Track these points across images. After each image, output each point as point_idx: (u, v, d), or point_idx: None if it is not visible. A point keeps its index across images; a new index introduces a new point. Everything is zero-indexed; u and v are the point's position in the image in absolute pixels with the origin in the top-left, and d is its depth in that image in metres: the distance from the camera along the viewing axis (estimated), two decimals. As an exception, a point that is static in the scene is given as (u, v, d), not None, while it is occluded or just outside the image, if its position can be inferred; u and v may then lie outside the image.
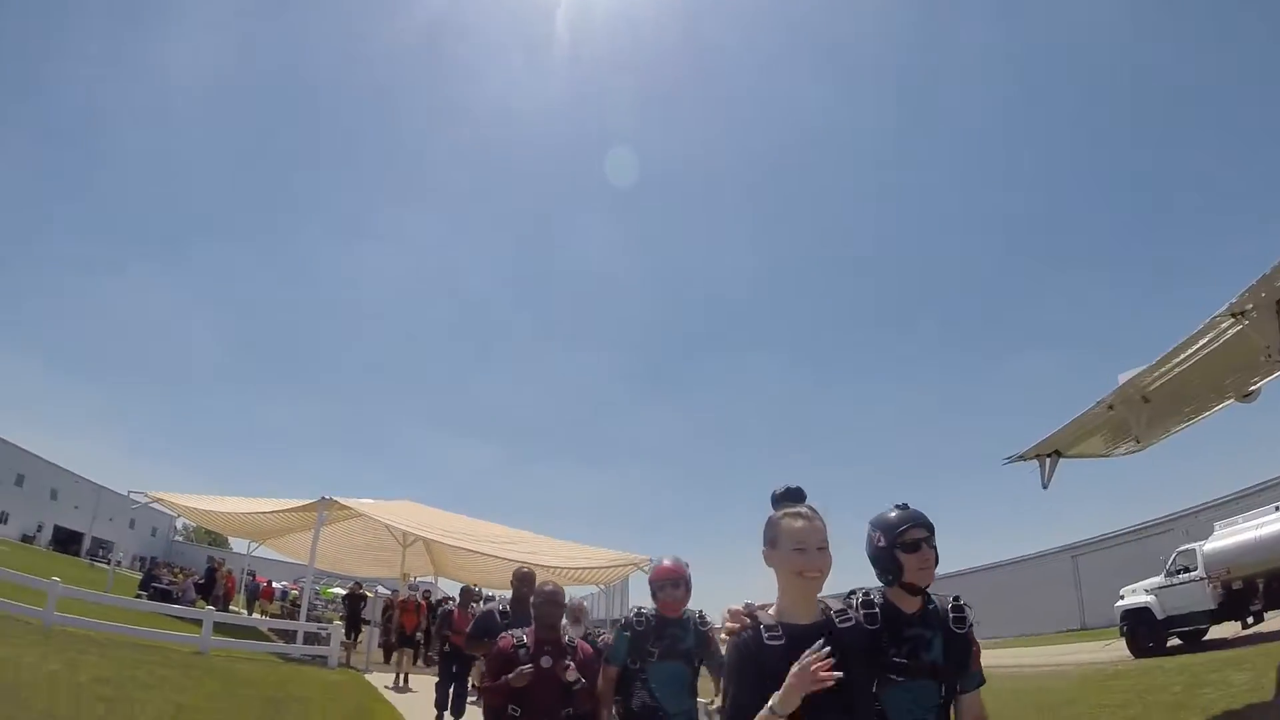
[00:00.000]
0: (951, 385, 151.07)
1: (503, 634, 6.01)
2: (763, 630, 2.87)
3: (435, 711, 13.79)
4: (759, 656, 2.80)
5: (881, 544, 3.48)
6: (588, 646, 5.97)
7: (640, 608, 5.94)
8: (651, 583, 5.89)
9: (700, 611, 5.97)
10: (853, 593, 3.60)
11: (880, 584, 3.58)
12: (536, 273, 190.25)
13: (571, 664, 5.54)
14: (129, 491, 29.83)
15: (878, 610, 3.43)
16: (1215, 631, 20.96)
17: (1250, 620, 19.90)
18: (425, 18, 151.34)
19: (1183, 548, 22.41)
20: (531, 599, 6.28)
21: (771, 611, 3.01)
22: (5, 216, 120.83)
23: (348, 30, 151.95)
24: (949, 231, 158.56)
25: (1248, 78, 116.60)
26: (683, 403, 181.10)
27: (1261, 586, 19.40)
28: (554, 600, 5.81)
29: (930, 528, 3.48)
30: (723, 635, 3.14)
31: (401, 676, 20.33)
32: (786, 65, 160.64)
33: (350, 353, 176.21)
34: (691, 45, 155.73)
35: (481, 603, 15.69)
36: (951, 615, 3.54)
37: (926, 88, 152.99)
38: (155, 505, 31.39)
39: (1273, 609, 19.45)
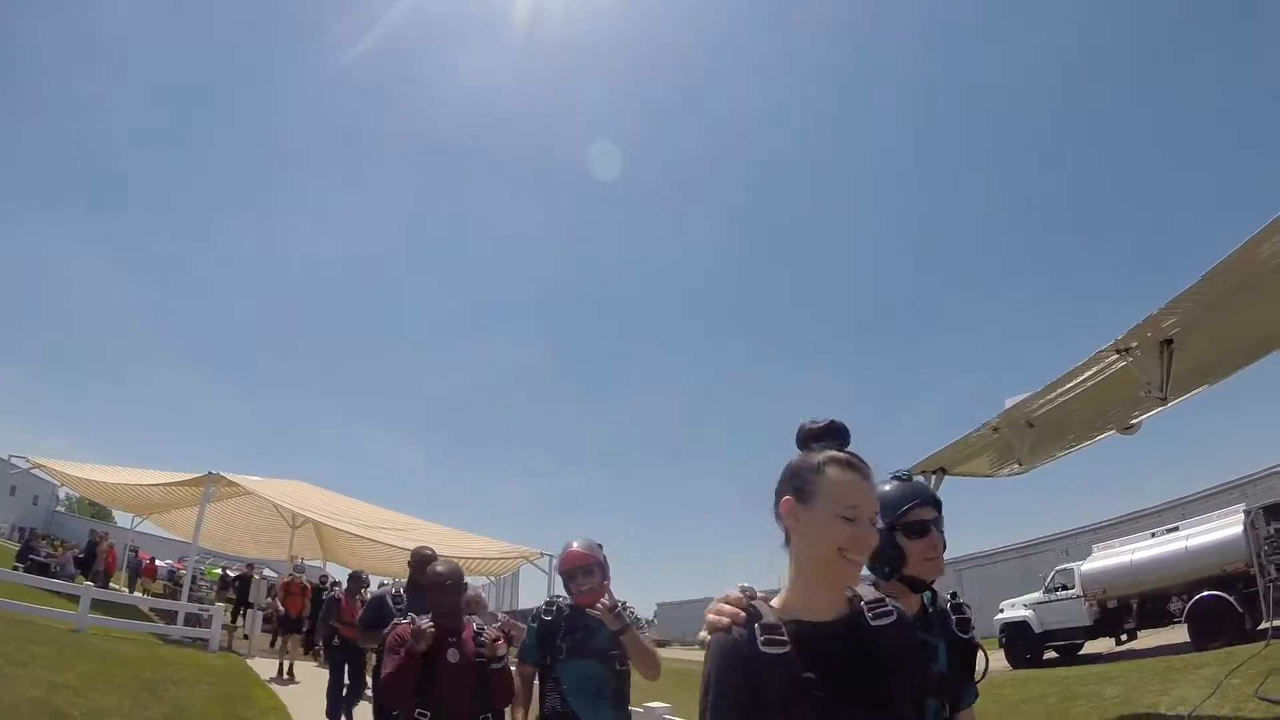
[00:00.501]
0: (846, 397, 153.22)
1: (399, 621, 5.33)
2: (758, 630, 1.88)
3: None
4: (750, 669, 1.84)
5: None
6: (497, 634, 5.13)
7: (556, 596, 5.20)
8: (561, 572, 5.11)
9: (623, 603, 4.84)
10: None
11: (872, 577, 2.91)
12: (460, 260, 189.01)
13: (500, 639, 4.96)
14: (9, 455, 28.88)
15: None
16: (1090, 647, 21.74)
17: (1124, 637, 20.77)
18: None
19: (1061, 566, 23.25)
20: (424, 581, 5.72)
21: (776, 603, 2.01)
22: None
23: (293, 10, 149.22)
24: (872, 242, 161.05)
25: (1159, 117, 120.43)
26: (593, 401, 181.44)
27: (1135, 606, 20.19)
28: (448, 582, 5.04)
29: (939, 505, 2.97)
30: (702, 634, 2.09)
31: (286, 666, 19.06)
32: (706, 78, 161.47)
33: (262, 332, 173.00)
34: (641, 42, 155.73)
35: (372, 588, 14.54)
36: (954, 617, 2.96)
37: (856, 98, 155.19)
38: (37, 472, 30.48)
39: (1145, 628, 20.27)
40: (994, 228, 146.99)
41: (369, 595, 12.24)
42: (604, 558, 5.12)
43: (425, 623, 4.83)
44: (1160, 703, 13.42)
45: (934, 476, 13.27)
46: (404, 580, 7.72)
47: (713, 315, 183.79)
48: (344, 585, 15.98)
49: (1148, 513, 33.86)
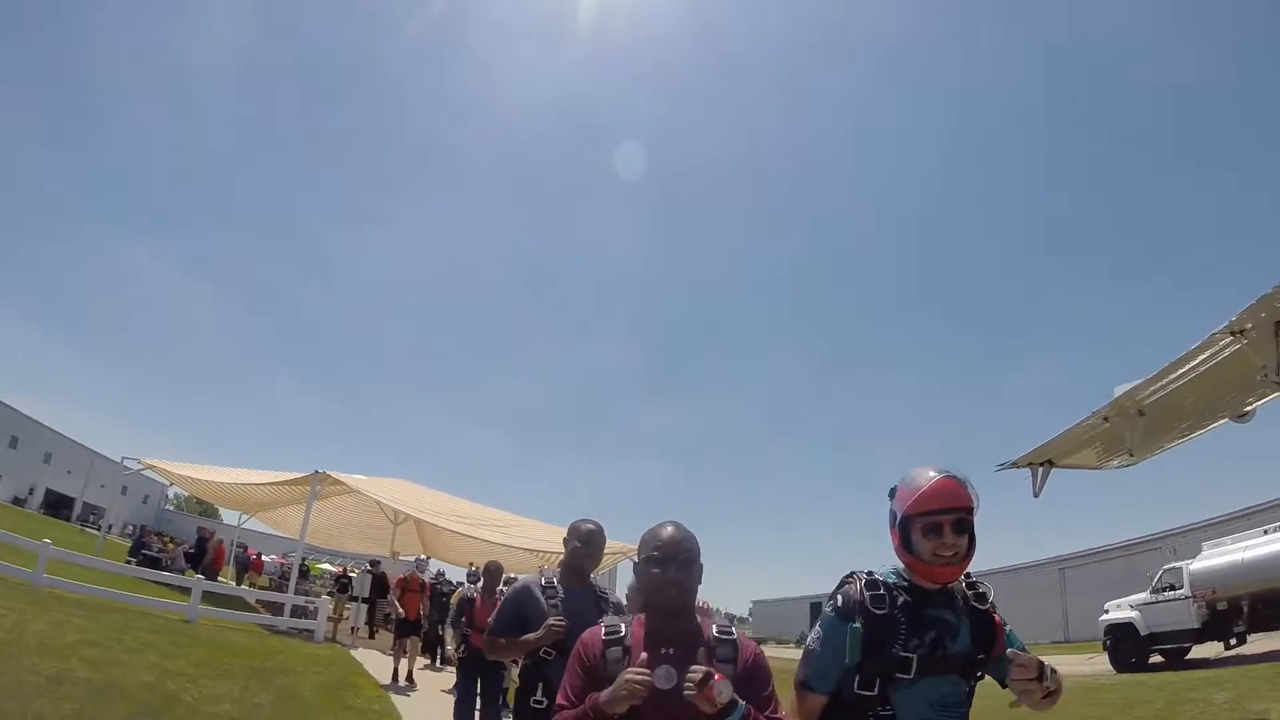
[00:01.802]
0: (950, 389, 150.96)
1: (555, 623, 4.45)
2: None
3: None
4: None
5: None
6: (750, 643, 3.05)
7: (869, 572, 3.00)
8: (913, 515, 2.87)
9: (970, 578, 3.05)
10: None
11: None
12: (548, 265, 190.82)
13: (714, 683, 2.59)
14: (122, 458, 29.87)
15: None
16: (1197, 651, 21.06)
17: (1233, 641, 20.01)
18: (443, 8, 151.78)
19: (1169, 565, 22.54)
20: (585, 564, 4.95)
21: None
22: (16, 186, 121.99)
23: (364, 19, 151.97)
24: (959, 234, 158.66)
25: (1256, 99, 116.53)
26: (689, 399, 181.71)
27: (1246, 608, 19.48)
28: (680, 556, 3.01)
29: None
30: None
31: (404, 671, 16.95)
32: (797, 63, 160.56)
33: (358, 337, 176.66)
34: (710, 41, 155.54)
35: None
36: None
37: (935, 89, 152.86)
38: (148, 473, 31.45)
39: (1256, 631, 19.54)
40: (1099, 210, 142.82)
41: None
42: (976, 498, 2.92)
43: (623, 625, 3.03)
44: (1271, 710, 13.02)
45: (1041, 469, 12.98)
46: (554, 570, 5.08)
47: (808, 314, 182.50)
48: (471, 581, 14.86)
49: (1261, 508, 32.52)
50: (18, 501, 68.94)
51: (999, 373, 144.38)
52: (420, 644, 19.09)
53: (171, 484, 36.99)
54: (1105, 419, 11.37)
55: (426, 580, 20.33)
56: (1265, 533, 20.58)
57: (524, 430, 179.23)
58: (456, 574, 25.89)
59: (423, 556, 21.44)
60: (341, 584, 27.60)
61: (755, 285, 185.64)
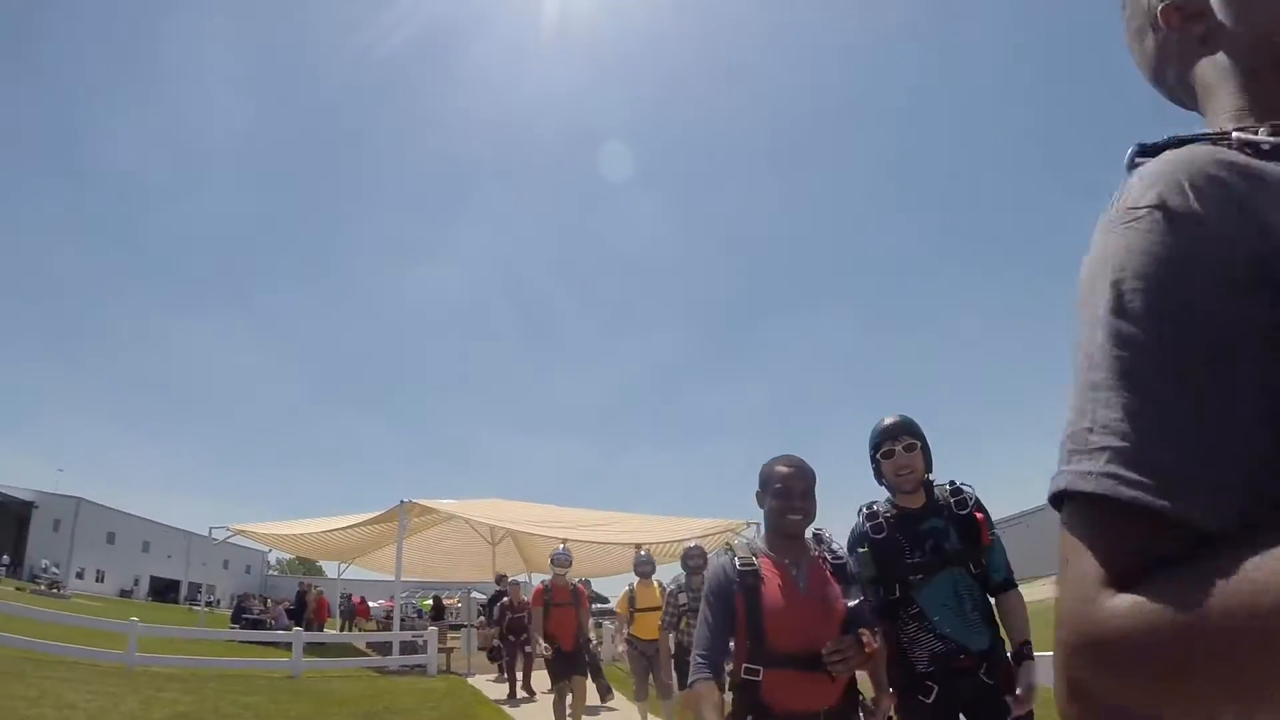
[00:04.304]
0: (1008, 336, 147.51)
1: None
2: None
3: None
4: None
5: None
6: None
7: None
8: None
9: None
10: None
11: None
12: (585, 266, 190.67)
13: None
14: (210, 529, 29.46)
15: None
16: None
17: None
18: (425, 33, 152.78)
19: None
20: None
21: None
22: (66, 275, 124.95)
23: (358, 53, 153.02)
24: (999, 173, 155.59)
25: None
26: (753, 371, 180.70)
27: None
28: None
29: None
30: None
31: None
32: (794, 19, 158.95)
33: (419, 370, 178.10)
34: (692, 21, 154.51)
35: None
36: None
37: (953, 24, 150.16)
38: (237, 540, 31.06)
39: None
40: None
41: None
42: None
43: None
44: None
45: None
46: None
47: (867, 263, 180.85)
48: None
49: None
50: (124, 594, 69.95)
51: (1055, 315, 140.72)
52: (586, 682, 10.71)
53: (270, 549, 36.75)
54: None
55: (579, 587, 11.35)
56: None
57: (597, 432, 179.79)
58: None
59: (561, 548, 11.65)
60: (436, 611, 26.95)
61: (792, 247, 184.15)
